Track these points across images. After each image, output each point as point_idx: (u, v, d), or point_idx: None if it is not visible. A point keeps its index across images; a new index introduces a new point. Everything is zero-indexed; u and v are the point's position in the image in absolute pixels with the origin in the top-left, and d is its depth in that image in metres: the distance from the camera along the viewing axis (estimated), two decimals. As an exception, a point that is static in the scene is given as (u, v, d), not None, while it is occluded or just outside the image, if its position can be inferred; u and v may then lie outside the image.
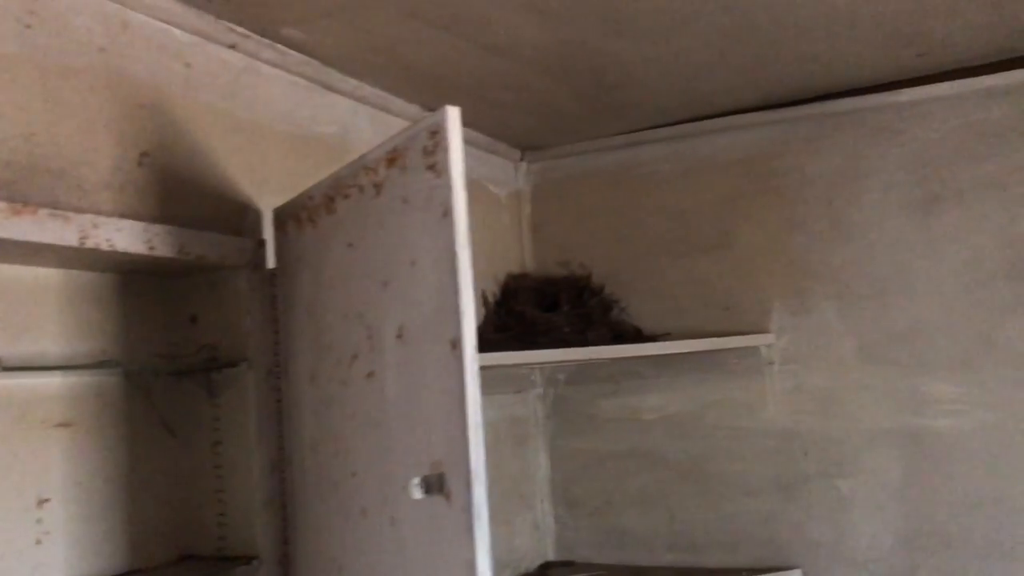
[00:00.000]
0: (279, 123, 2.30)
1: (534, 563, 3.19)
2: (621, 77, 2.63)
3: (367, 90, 2.56)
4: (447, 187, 1.48)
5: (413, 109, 2.70)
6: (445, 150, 1.49)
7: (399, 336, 1.61)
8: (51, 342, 1.81)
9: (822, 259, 2.88)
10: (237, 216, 2.14)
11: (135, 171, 1.90)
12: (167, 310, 2.07)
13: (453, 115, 1.49)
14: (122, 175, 1.87)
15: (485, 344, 2.98)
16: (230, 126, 2.15)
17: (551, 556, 3.26)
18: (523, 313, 3.04)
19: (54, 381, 1.81)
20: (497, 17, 2.15)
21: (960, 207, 2.70)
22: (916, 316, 2.74)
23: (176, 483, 2.06)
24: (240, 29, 2.13)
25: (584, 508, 3.22)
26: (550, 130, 3.16)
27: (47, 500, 1.77)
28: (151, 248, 1.81)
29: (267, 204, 2.18)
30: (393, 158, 1.64)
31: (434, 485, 1.47)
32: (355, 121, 2.56)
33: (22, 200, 1.61)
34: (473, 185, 3.11)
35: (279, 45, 2.25)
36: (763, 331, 2.93)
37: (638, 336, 3.08)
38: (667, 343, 2.92)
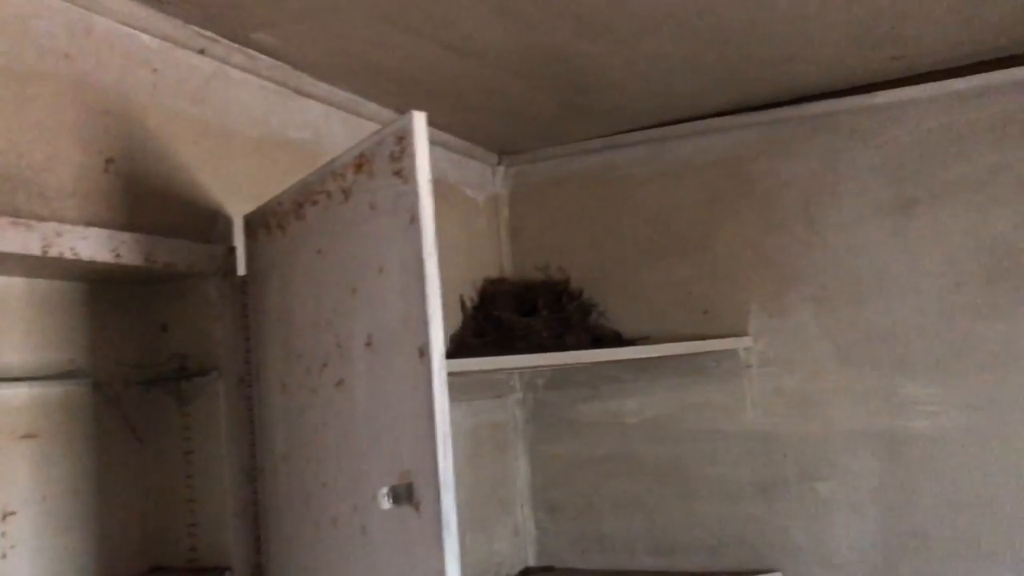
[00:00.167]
0: (250, 128, 2.27)
1: (515, 568, 3.18)
2: (596, 80, 2.62)
3: (339, 94, 2.54)
4: (414, 193, 1.47)
5: (387, 113, 2.68)
6: (412, 156, 1.47)
7: (368, 344, 1.60)
8: (15, 352, 1.79)
9: (799, 262, 2.88)
10: (207, 223, 2.11)
11: (101, 178, 1.87)
12: (136, 319, 2.05)
13: (419, 120, 1.48)
14: (87, 182, 1.84)
15: (463, 349, 3.00)
16: (199, 132, 2.13)
17: (531, 561, 3.25)
18: (501, 318, 3.03)
19: (20, 392, 1.79)
20: (470, 21, 2.14)
21: (936, 209, 2.71)
22: (893, 318, 2.74)
23: (146, 494, 2.03)
24: (209, 34, 2.11)
25: (564, 513, 3.21)
26: (527, 134, 3.15)
27: (12, 513, 1.75)
28: (117, 256, 1.78)
29: (238, 211, 2.15)
30: (360, 164, 1.62)
31: (403, 495, 1.46)
32: (327, 126, 2.54)
33: (-18, 209, 1.59)
34: (450, 189, 3.09)
35: (249, 50, 2.22)
36: (741, 334, 2.93)
37: (617, 340, 3.08)
38: (646, 347, 2.92)
